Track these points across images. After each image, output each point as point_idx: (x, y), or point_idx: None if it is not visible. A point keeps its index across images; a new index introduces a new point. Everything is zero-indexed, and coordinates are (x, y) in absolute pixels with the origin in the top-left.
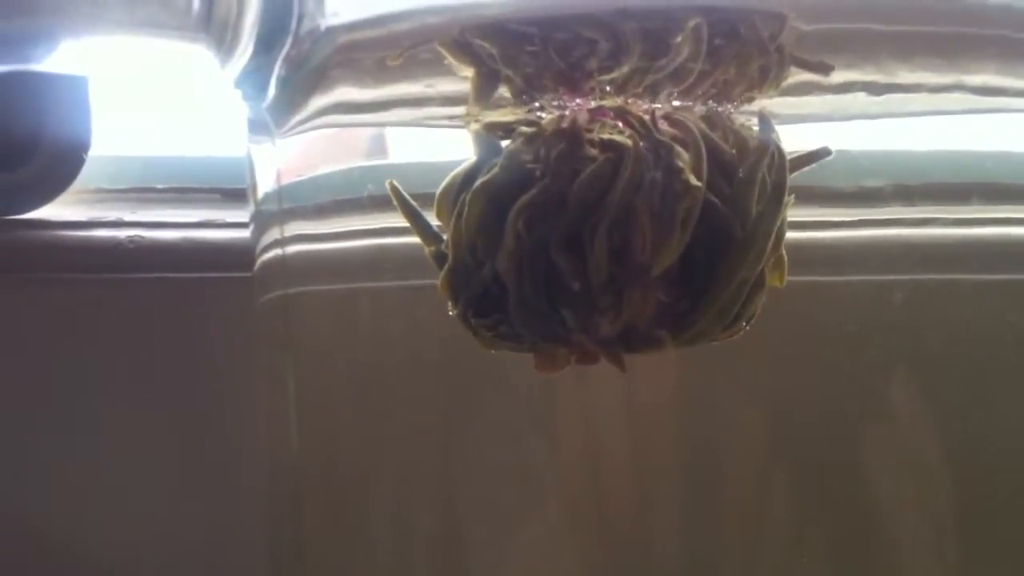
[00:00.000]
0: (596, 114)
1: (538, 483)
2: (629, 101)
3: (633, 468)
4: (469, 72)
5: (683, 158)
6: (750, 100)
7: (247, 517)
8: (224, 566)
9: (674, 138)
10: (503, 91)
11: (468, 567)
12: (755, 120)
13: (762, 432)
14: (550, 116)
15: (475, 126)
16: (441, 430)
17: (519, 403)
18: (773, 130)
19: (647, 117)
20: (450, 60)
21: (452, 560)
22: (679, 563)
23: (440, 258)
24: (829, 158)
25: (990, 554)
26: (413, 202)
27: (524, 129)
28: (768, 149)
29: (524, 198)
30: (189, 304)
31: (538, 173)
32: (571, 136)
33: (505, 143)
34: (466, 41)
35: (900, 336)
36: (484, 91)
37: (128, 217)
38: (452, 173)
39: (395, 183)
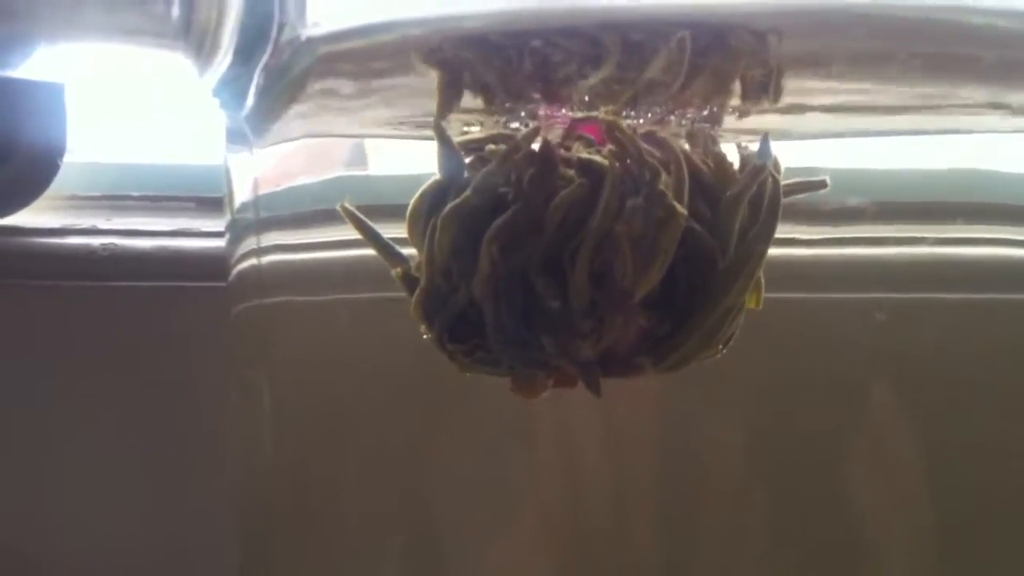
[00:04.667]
0: (577, 128)
1: (513, 496)
2: (611, 111)
3: (609, 483)
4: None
5: (665, 181)
6: (745, 114)
7: (220, 529)
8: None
9: (655, 159)
10: (478, 102)
11: None
12: (744, 138)
13: (740, 450)
14: (525, 129)
15: (440, 132)
16: (418, 442)
17: (496, 416)
18: (771, 154)
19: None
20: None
21: (426, 573)
22: None
23: (409, 280)
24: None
25: (969, 571)
26: (370, 223)
27: (492, 148)
28: (762, 172)
29: (497, 222)
30: (163, 313)
31: (511, 197)
32: (543, 159)
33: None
34: (441, 50)
35: (881, 355)
36: (449, 97)
37: (102, 225)
38: (419, 191)
39: (347, 205)
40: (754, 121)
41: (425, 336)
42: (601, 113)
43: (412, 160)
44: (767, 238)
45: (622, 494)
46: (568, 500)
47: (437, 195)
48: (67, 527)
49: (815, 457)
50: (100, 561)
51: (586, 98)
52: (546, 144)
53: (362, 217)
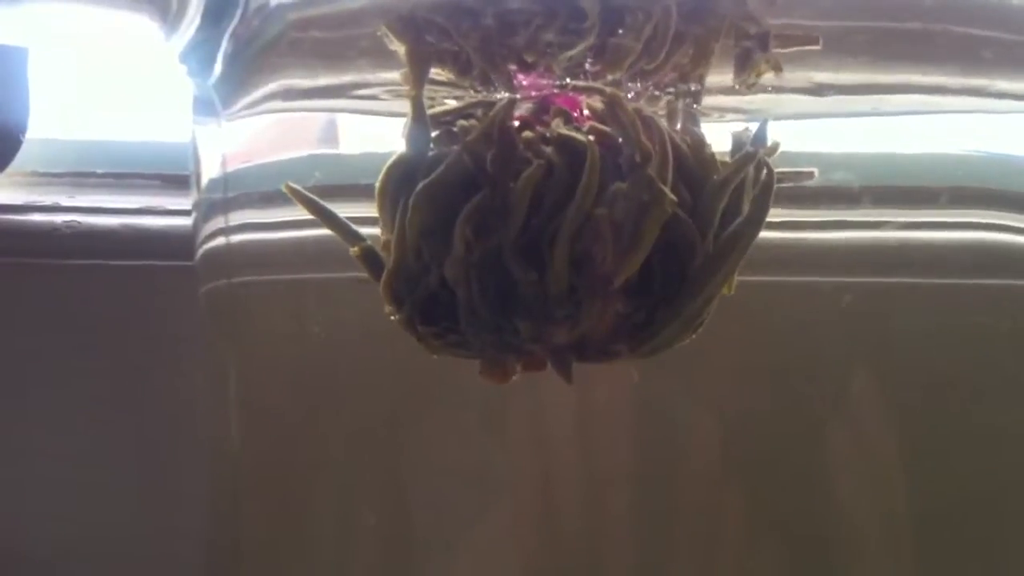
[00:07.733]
0: (553, 101)
1: (487, 480)
2: (613, 82)
3: (585, 467)
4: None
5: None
6: (747, 88)
7: (186, 511)
8: (165, 561)
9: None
10: (448, 74)
11: (413, 565)
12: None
13: (714, 433)
14: (500, 100)
15: (416, 106)
16: (389, 425)
17: (470, 398)
18: (766, 139)
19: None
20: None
21: (396, 558)
22: (630, 565)
23: (370, 259)
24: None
25: (945, 554)
26: (320, 202)
27: (464, 123)
28: (753, 159)
29: (470, 204)
30: (127, 292)
31: (481, 178)
32: (503, 140)
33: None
34: (413, 17)
35: (854, 338)
36: (422, 68)
37: (65, 202)
38: (385, 167)
39: (291, 184)
40: (734, 100)
41: (393, 317)
42: (606, 87)
43: (387, 137)
44: (757, 225)
45: (599, 478)
46: (546, 483)
47: (405, 172)
48: (28, 512)
49: (792, 441)
50: (62, 545)
51: (585, 68)
52: (505, 125)
53: (311, 196)
